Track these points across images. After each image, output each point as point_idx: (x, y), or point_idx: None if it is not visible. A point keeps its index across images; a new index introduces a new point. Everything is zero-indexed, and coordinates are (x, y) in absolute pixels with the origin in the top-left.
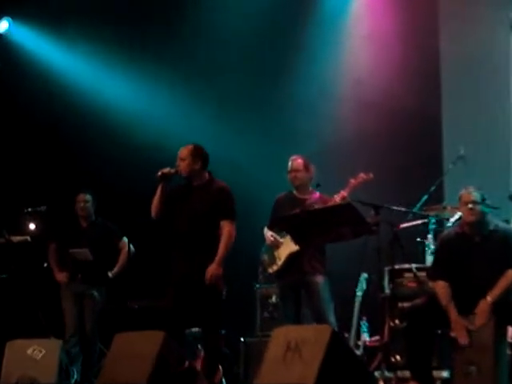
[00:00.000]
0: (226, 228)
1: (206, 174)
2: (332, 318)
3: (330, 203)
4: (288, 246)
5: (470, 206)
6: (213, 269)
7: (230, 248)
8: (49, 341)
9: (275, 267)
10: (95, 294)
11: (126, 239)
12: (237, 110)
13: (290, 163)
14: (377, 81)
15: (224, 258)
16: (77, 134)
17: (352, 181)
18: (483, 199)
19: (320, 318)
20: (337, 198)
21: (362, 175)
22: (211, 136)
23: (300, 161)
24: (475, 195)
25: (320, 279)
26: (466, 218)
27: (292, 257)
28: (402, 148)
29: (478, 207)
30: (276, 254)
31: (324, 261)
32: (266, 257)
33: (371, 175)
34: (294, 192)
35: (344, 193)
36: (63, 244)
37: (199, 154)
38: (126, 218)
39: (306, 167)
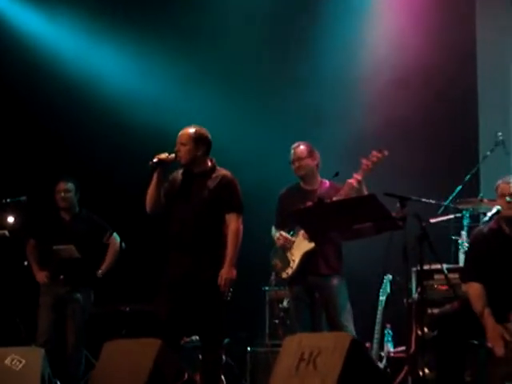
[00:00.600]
0: (233, 223)
1: (209, 161)
2: (350, 326)
3: (343, 192)
4: (301, 245)
5: (508, 198)
6: (225, 272)
7: (239, 246)
8: (29, 349)
9: (290, 270)
10: (80, 298)
11: (115, 234)
12: (247, 88)
13: (291, 152)
14: (408, 62)
15: (235, 259)
16: (60, 114)
17: (364, 161)
18: None
19: (336, 326)
20: (351, 184)
21: (374, 153)
22: (217, 118)
23: (303, 147)
24: None
25: (337, 281)
26: (504, 212)
27: (307, 256)
28: (434, 134)
29: None
30: (289, 255)
31: (341, 260)
32: (277, 261)
33: (385, 152)
34: (301, 184)
35: (358, 176)
36: (43, 240)
37: (202, 138)
38: (116, 211)
39: (311, 154)
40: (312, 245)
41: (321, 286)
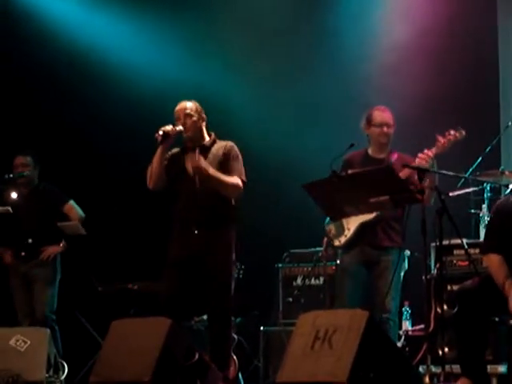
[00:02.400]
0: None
1: (207, 134)
2: (393, 306)
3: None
4: (354, 215)
5: None
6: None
7: (226, 182)
8: (34, 329)
9: (343, 239)
10: (39, 272)
11: (72, 202)
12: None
13: (376, 114)
14: (427, 37)
15: (214, 174)
16: (63, 88)
17: (440, 138)
18: None
19: (381, 303)
20: (418, 159)
21: (452, 132)
22: (230, 93)
23: (390, 114)
24: None
25: (394, 256)
26: None
27: (364, 227)
28: (454, 106)
29: None
30: (345, 223)
31: (402, 231)
32: (332, 227)
33: (463, 132)
34: (369, 151)
35: (429, 152)
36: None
37: (202, 110)
38: (118, 188)
39: (394, 122)
40: (371, 216)
41: (377, 259)
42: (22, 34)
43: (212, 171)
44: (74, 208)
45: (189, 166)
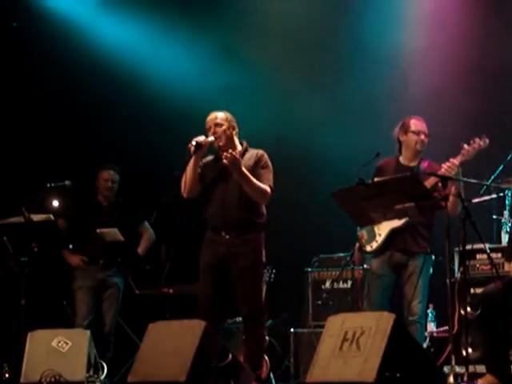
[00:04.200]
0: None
1: (239, 144)
2: (421, 309)
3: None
4: (391, 221)
5: None
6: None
7: (256, 187)
8: (76, 331)
9: (374, 244)
10: (118, 282)
11: (147, 223)
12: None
13: (415, 123)
14: (447, 42)
15: (248, 177)
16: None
17: (466, 147)
18: None
19: (408, 306)
20: (444, 167)
21: (477, 140)
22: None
23: (425, 124)
24: None
25: (422, 260)
26: None
27: (394, 233)
28: (475, 113)
29: None
30: (376, 229)
31: (430, 237)
32: (363, 232)
33: (487, 140)
34: (400, 158)
35: (455, 160)
36: (78, 223)
37: (233, 119)
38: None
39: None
40: (401, 222)
41: (406, 264)
42: (48, 40)
43: (245, 170)
44: (148, 229)
45: (228, 160)
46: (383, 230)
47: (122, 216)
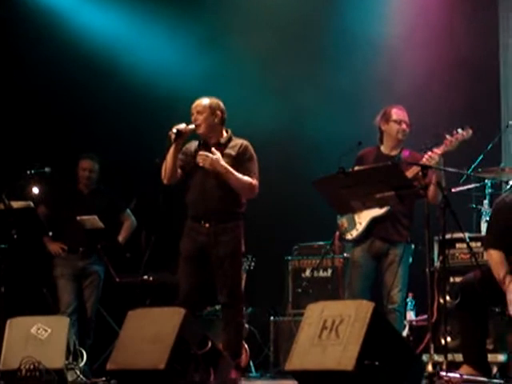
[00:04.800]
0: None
1: (224, 131)
2: (400, 297)
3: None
4: (371, 210)
5: None
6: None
7: (242, 183)
8: (55, 318)
9: (355, 232)
10: (99, 270)
11: (129, 211)
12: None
13: (396, 112)
14: (430, 35)
15: (231, 174)
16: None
17: (448, 137)
18: None
19: (388, 294)
20: (426, 157)
21: (460, 131)
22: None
23: (406, 113)
24: None
25: (402, 249)
26: None
27: (375, 221)
28: (456, 104)
29: None
30: (356, 217)
31: (410, 226)
32: (344, 221)
33: (470, 131)
34: (381, 147)
35: (437, 151)
36: (59, 210)
37: (217, 106)
38: (130, 182)
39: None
40: (382, 211)
41: (386, 253)
42: (31, 29)
43: (227, 166)
44: (129, 217)
45: (204, 163)
46: (364, 218)
47: (102, 203)
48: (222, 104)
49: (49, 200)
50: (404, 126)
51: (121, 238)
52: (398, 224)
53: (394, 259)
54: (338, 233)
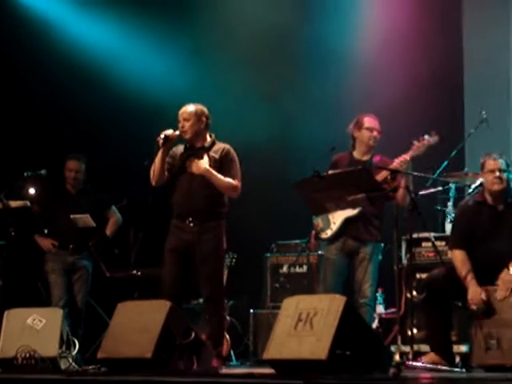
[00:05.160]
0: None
1: (208, 136)
2: (371, 292)
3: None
4: (345, 211)
5: (497, 173)
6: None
7: (224, 184)
8: (50, 310)
9: (329, 232)
10: (87, 264)
11: (114, 208)
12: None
13: (368, 120)
14: (397, 45)
15: (214, 177)
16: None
17: (416, 143)
18: (508, 166)
19: (359, 289)
20: (396, 162)
21: (427, 137)
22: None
23: (377, 121)
24: (501, 162)
25: (372, 247)
26: (490, 186)
27: (348, 221)
28: (423, 113)
29: (505, 175)
30: (331, 217)
31: (380, 226)
32: (319, 221)
33: (436, 137)
34: (354, 153)
35: (406, 156)
36: (49, 209)
37: (202, 113)
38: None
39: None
40: (355, 212)
41: (357, 251)
42: (23, 38)
43: (212, 171)
44: (115, 213)
45: (193, 168)
46: (337, 218)
47: (89, 203)
48: (206, 110)
49: (41, 200)
50: (375, 133)
51: (108, 233)
52: (369, 224)
53: (365, 257)
54: (313, 232)
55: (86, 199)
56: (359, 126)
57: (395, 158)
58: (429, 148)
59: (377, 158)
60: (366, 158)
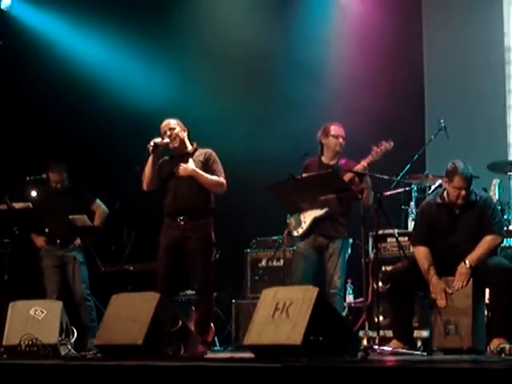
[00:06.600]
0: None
1: (190, 144)
2: (340, 283)
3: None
4: (314, 211)
5: (463, 192)
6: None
7: (211, 182)
8: (50, 302)
9: (300, 230)
10: (76, 255)
11: (98, 201)
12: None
13: (334, 128)
14: (362, 56)
15: (202, 177)
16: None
17: (375, 148)
18: (472, 178)
19: (330, 281)
20: (358, 167)
21: (383, 143)
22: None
23: (343, 129)
24: (467, 177)
25: (340, 243)
26: (454, 199)
27: (317, 220)
28: (387, 122)
29: (468, 190)
30: (302, 217)
31: (348, 224)
32: (292, 220)
33: (391, 143)
34: (322, 158)
35: (364, 163)
36: (40, 210)
37: (183, 124)
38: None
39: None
40: (323, 211)
41: (326, 246)
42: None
43: (200, 172)
44: (99, 206)
45: (181, 171)
46: (308, 217)
47: (75, 199)
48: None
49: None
50: (341, 139)
51: (96, 224)
52: (336, 222)
53: (334, 252)
54: (287, 230)
55: (71, 197)
56: (326, 133)
57: (358, 162)
58: (385, 153)
59: (343, 162)
60: (332, 162)
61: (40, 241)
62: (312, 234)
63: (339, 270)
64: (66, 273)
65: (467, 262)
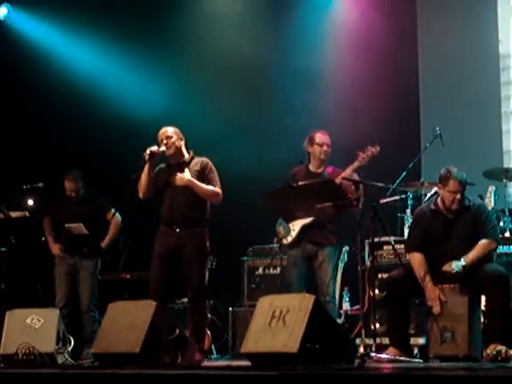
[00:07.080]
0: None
1: (186, 152)
2: (331, 290)
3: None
4: (303, 219)
5: (458, 196)
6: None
7: (207, 192)
8: (47, 310)
9: (290, 238)
10: (88, 265)
11: (113, 210)
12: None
13: (319, 136)
14: (358, 63)
15: (197, 187)
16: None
17: (361, 154)
18: (466, 183)
19: (322, 289)
20: (344, 174)
21: (370, 148)
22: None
23: (328, 136)
24: (461, 181)
25: (329, 250)
26: (449, 204)
27: (305, 228)
28: (383, 129)
29: (463, 195)
30: (291, 225)
31: (337, 231)
32: (281, 229)
33: (378, 148)
34: (309, 166)
35: (349, 170)
36: (56, 218)
37: (180, 132)
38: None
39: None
40: (311, 219)
41: (316, 254)
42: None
43: (195, 182)
44: (115, 215)
45: (177, 181)
46: (296, 226)
47: (90, 208)
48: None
49: (50, 210)
50: (325, 147)
51: (107, 240)
52: (325, 230)
53: (324, 259)
54: (276, 239)
55: (86, 206)
56: (311, 141)
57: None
58: (372, 158)
59: (330, 169)
60: (319, 170)
61: (56, 248)
62: (301, 241)
63: (330, 276)
64: (76, 281)
65: (462, 259)
